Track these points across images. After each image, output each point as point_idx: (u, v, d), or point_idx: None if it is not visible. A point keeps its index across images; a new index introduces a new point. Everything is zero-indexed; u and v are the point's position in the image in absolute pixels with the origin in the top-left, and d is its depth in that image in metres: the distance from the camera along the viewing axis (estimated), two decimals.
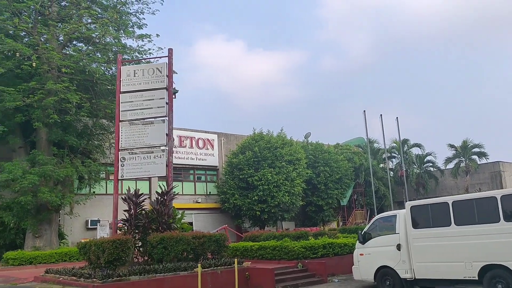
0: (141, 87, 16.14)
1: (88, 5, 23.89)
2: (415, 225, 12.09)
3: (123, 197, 15.06)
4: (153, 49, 24.63)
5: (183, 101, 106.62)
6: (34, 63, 21.07)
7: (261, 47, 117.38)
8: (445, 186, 44.31)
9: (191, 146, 34.20)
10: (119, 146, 15.80)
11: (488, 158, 42.06)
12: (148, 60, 22.86)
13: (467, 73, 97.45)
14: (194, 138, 34.57)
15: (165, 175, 15.71)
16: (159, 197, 15.19)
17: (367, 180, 39.13)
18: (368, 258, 13.22)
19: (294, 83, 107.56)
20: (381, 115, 35.06)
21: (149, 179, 28.97)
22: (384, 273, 12.68)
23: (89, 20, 24.30)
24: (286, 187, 31.29)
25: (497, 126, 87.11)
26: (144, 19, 25.72)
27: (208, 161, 35.12)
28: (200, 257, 14.38)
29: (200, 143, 34.84)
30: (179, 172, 33.50)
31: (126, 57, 23.48)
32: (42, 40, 22.71)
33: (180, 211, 18.80)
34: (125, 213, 14.92)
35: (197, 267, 12.78)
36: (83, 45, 24.58)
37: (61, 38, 23.99)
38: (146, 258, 14.50)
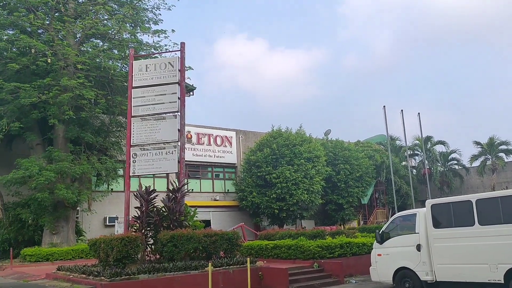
0: (153, 81, 15.87)
1: (105, 1, 23.79)
2: (436, 224, 11.49)
3: (135, 194, 14.83)
4: (169, 45, 24.56)
5: (204, 99, 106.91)
6: (50, 59, 21.07)
7: (283, 45, 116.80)
8: (470, 185, 42.91)
9: (209, 144, 33.91)
10: (131, 142, 15.57)
11: None
12: (161, 54, 22.62)
13: (492, 69, 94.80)
14: (212, 135, 34.26)
15: (176, 171, 15.40)
16: (171, 194, 14.91)
17: (389, 178, 38.20)
18: (386, 258, 12.63)
19: (315, 82, 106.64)
20: (402, 110, 33.82)
21: (167, 176, 28.26)
22: (403, 275, 12.09)
23: (105, 16, 24.22)
24: (305, 185, 30.76)
25: None
26: (160, 14, 25.73)
27: (226, 159, 34.78)
28: (212, 256, 14.02)
29: (218, 141, 34.55)
30: (197, 170, 33.35)
31: (143, 53, 23.30)
32: (59, 36, 22.72)
33: (193, 209, 18.50)
34: (137, 210, 14.69)
35: (208, 266, 12.43)
36: (100, 42, 24.53)
37: (78, 35, 23.98)
38: (157, 256, 14.25)
